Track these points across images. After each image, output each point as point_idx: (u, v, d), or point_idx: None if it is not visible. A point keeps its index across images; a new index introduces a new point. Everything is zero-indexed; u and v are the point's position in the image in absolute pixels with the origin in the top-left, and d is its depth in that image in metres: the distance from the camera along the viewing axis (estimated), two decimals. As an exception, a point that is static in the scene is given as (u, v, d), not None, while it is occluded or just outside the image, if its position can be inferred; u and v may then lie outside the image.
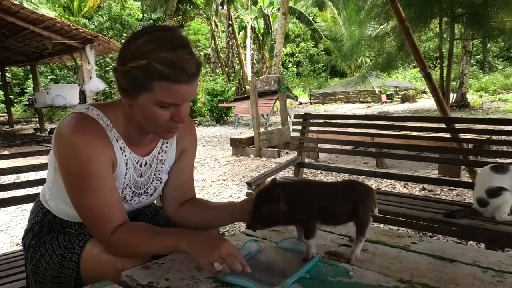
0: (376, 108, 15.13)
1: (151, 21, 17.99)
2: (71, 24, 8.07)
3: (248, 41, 19.10)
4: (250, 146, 6.67)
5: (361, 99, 18.31)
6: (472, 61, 16.26)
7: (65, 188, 1.08)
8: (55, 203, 1.22)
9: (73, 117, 1.07)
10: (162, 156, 1.25)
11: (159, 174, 1.26)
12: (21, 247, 1.35)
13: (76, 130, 1.04)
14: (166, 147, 1.26)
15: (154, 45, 0.96)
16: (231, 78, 17.94)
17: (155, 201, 1.41)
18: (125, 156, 1.15)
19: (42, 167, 1.94)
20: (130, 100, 1.04)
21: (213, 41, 19.06)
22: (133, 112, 1.07)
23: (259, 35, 21.50)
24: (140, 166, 1.21)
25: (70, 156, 1.04)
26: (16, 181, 2.00)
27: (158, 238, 1.06)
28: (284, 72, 22.30)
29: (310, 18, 20.39)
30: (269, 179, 2.89)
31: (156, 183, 1.27)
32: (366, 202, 1.06)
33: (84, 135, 1.04)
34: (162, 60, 0.95)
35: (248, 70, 17.99)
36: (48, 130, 9.60)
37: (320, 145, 3.29)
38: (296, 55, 24.43)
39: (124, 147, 1.14)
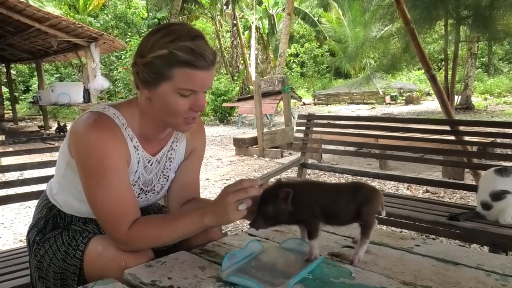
0: (380, 110, 15.09)
1: (156, 20, 18.02)
2: (77, 22, 8.11)
3: (253, 41, 19.09)
4: (253, 146, 6.66)
5: (365, 101, 18.26)
6: (477, 63, 16.18)
7: (82, 186, 1.09)
8: (63, 197, 1.23)
9: (90, 115, 1.09)
10: (171, 154, 1.26)
11: (166, 172, 1.27)
12: (25, 244, 1.36)
13: (93, 126, 1.06)
14: (176, 145, 1.27)
15: (174, 36, 1.02)
16: (235, 78, 17.92)
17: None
18: (138, 154, 1.17)
19: (46, 164, 1.95)
20: (150, 92, 1.07)
21: (217, 41, 19.05)
22: (152, 107, 1.10)
23: (264, 35, 21.49)
24: (151, 164, 1.22)
25: (86, 152, 1.06)
26: (20, 178, 2.01)
27: (180, 223, 1.08)
28: (288, 73, 22.23)
29: (315, 19, 20.34)
30: (272, 180, 2.89)
31: (163, 181, 1.28)
32: (371, 204, 1.06)
33: (100, 132, 1.06)
34: (183, 48, 1.00)
35: (252, 70, 17.97)
36: (56, 127, 9.60)
37: (323, 146, 3.29)
38: (301, 55, 24.37)
39: (137, 145, 1.16)
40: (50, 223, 1.23)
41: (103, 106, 1.14)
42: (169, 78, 1.02)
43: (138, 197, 1.23)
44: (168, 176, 1.28)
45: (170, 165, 1.27)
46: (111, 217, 1.07)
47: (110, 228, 1.08)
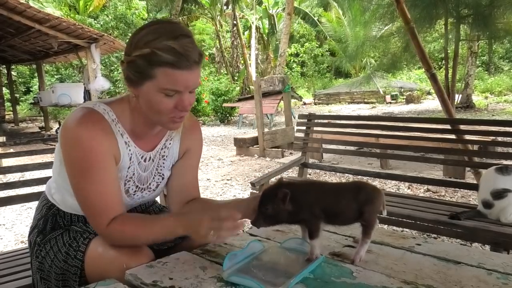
0: (380, 109, 15.08)
1: (156, 21, 17.99)
2: (77, 23, 8.11)
3: (253, 41, 19.08)
4: (254, 146, 6.66)
5: (365, 100, 18.23)
6: (477, 62, 16.15)
7: (68, 178, 1.11)
8: (61, 195, 1.23)
9: (79, 111, 1.10)
10: (164, 152, 1.26)
11: (161, 169, 1.27)
12: (26, 245, 1.36)
13: (81, 122, 1.07)
14: (170, 143, 1.27)
15: (156, 35, 1.01)
16: (236, 78, 17.93)
17: (159, 201, 1.42)
18: (130, 150, 1.17)
19: (47, 165, 1.95)
20: (136, 90, 1.07)
21: (217, 41, 19.04)
22: (140, 104, 1.10)
23: (264, 35, 21.48)
24: (144, 161, 1.22)
25: (73, 147, 1.07)
26: (22, 179, 2.01)
27: (155, 226, 1.10)
28: (289, 72, 22.22)
29: (315, 19, 20.34)
30: (273, 179, 2.89)
31: (158, 179, 1.28)
32: (372, 204, 1.06)
33: (88, 128, 1.07)
34: (164, 48, 0.99)
35: (252, 70, 17.96)
36: (57, 128, 9.62)
37: (324, 146, 3.28)
38: (301, 55, 24.37)
39: (128, 141, 1.16)
40: (49, 222, 1.23)
41: (94, 102, 1.15)
42: (152, 78, 1.02)
43: (134, 194, 1.24)
44: (163, 174, 1.28)
45: (163, 163, 1.27)
46: (92, 210, 1.09)
47: (91, 220, 1.12)
